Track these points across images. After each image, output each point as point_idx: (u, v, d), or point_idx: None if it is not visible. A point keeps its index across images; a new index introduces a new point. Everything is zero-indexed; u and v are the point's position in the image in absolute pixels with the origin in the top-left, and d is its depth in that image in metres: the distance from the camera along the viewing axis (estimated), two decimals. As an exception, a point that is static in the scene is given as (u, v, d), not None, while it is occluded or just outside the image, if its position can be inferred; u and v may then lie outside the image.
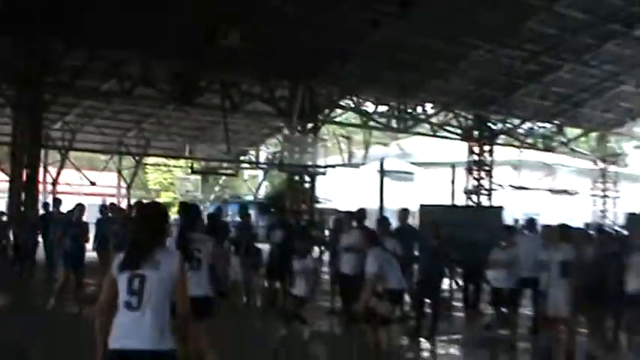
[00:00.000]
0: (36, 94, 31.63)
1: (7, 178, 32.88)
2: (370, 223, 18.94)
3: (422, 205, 24.01)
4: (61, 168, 47.07)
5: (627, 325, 15.14)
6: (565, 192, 51.21)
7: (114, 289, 6.68)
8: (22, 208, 30.61)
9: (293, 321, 15.35)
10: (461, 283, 23.01)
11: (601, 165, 52.22)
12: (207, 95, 36.82)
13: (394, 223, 18.77)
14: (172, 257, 7.00)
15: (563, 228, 15.74)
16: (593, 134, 51.21)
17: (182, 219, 11.78)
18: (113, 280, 6.72)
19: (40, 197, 33.72)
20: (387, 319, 13.56)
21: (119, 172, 53.40)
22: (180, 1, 29.16)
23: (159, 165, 64.00)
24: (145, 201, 19.43)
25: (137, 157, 51.05)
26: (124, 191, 51.95)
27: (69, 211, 22.00)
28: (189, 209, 12.02)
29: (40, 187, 33.96)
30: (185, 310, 6.78)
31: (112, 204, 29.69)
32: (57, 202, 28.63)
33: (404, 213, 20.02)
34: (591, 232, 21.35)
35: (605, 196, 51.78)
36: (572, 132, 50.39)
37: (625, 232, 17.32)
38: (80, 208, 21.48)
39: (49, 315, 18.72)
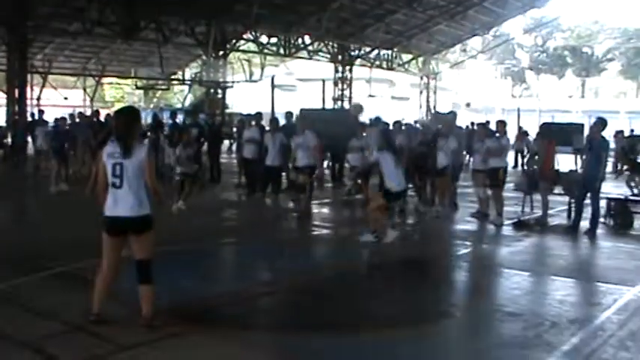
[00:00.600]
0: (22, 34, 31.18)
1: (4, 96, 32.30)
2: (265, 122, 18.97)
3: (301, 109, 24.03)
4: (42, 87, 46.21)
5: (438, 188, 15.67)
6: (401, 99, 51.74)
7: (105, 172, 6.91)
8: (16, 117, 30.16)
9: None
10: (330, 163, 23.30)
11: (425, 80, 52.81)
12: (146, 32, 36.37)
13: (282, 121, 18.78)
14: (142, 148, 7.07)
15: (398, 123, 16.16)
16: (420, 58, 51.52)
17: None
18: (104, 166, 6.91)
19: (28, 109, 33.08)
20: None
21: (84, 89, 52.46)
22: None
23: (113, 84, 62.87)
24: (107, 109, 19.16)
25: (97, 78, 50.23)
26: (88, 103, 50.94)
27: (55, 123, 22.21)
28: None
29: (28, 102, 33.17)
30: (152, 183, 6.94)
31: (79, 113, 29.33)
32: (40, 112, 28.69)
33: (289, 114, 20.08)
34: (418, 126, 21.62)
35: (427, 102, 52.46)
36: (406, 56, 50.62)
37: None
38: (62, 119, 21.96)
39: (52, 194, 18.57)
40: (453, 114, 19.10)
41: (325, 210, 17.33)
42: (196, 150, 17.96)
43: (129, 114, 7.34)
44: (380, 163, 12.05)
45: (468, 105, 19.75)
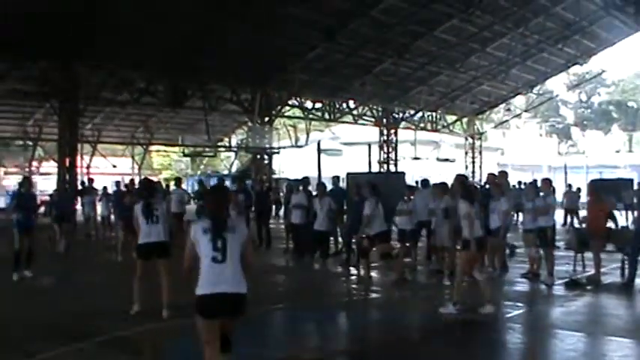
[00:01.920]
0: (73, 104, 31.95)
1: (55, 164, 33.09)
2: (312, 187, 19.08)
3: (348, 173, 24.08)
4: (92, 156, 47.00)
5: (491, 249, 15.49)
6: (447, 160, 51.58)
7: (195, 249, 6.57)
8: (67, 185, 30.78)
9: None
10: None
11: (470, 141, 52.75)
12: (192, 100, 37.04)
13: (329, 186, 18.86)
14: (241, 224, 7.06)
15: (444, 185, 16.14)
16: (464, 119, 51.62)
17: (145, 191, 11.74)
18: (194, 243, 6.58)
19: (78, 177, 33.66)
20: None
21: (132, 157, 53.19)
22: (168, 33, 29.18)
23: (160, 151, 63.68)
24: (152, 178, 19.36)
25: (144, 146, 50.87)
26: (136, 171, 51.60)
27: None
28: (149, 185, 12.01)
29: (78, 170, 33.76)
30: (250, 257, 6.80)
31: (130, 180, 29.74)
32: (90, 181, 29.13)
33: (336, 179, 20.18)
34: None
35: (473, 162, 52.34)
36: (450, 117, 50.81)
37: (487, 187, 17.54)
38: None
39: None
40: (503, 174, 18.97)
41: (373, 274, 17.25)
42: (245, 216, 18.06)
43: (221, 191, 7.65)
44: (463, 211, 11.67)
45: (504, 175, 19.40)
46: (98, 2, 26.24)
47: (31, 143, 45.98)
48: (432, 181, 19.39)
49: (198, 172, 60.59)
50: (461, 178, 12.96)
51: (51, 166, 43.22)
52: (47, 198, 29.05)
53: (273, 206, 31.97)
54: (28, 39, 27.31)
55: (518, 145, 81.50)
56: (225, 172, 57.89)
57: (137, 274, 11.13)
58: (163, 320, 10.63)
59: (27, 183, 16.73)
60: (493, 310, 11.48)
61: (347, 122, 46.93)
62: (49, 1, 25.54)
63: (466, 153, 52.96)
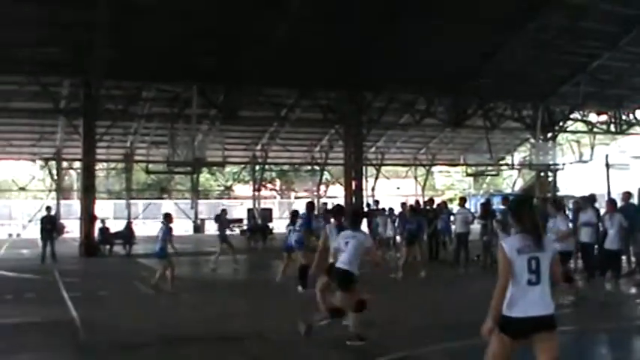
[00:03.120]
0: (357, 129, 33.02)
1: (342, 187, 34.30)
2: (598, 204, 18.24)
3: (640, 189, 22.82)
4: (376, 178, 48.13)
5: None
6: None
7: (510, 268, 6.21)
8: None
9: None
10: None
11: None
12: (473, 119, 36.95)
13: (619, 202, 17.91)
14: (551, 241, 6.78)
15: None
16: None
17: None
18: (509, 261, 6.23)
19: (364, 199, 34.57)
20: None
21: (415, 178, 53.78)
22: (448, 55, 29.49)
23: (442, 172, 64.03)
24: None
25: (427, 167, 51.23)
26: (419, 192, 52.07)
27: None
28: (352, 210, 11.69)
29: (364, 192, 34.74)
30: (558, 277, 6.49)
31: (412, 204, 29.99)
32: (376, 202, 29.74)
33: (627, 194, 19.12)
34: None
35: None
36: None
37: None
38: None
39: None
40: None
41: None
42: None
43: (532, 204, 7.15)
44: None
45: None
46: (379, 34, 27.19)
47: (318, 168, 47.89)
48: None
49: (481, 192, 60.16)
50: None
51: (337, 190, 44.88)
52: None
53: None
54: (312, 72, 28.89)
55: None
56: (508, 190, 56.98)
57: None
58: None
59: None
60: None
61: (635, 134, 44.52)
62: (330, 40, 26.95)
63: None
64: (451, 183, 69.57)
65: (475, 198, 44.74)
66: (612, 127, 42.51)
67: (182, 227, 49.87)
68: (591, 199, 18.57)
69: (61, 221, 38.49)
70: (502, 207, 23.29)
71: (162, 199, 55.78)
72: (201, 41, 26.72)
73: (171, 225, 17.20)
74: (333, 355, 10.18)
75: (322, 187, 53.18)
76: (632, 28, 30.73)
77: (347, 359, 10.02)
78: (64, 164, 44.12)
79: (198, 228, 49.97)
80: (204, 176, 58.73)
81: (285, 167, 54.87)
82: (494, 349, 6.30)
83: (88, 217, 29.32)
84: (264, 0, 24.95)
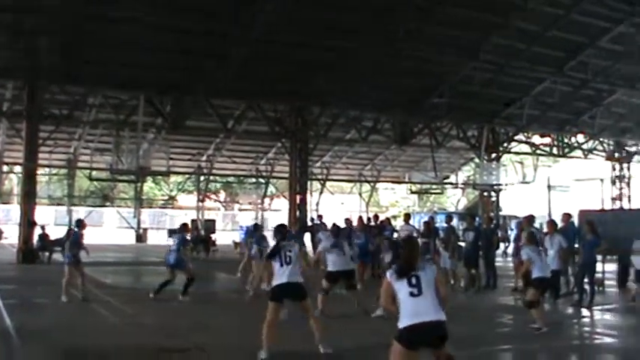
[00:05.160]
0: (303, 143, 33.04)
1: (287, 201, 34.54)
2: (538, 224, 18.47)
3: (581, 210, 23.11)
4: (321, 193, 48.12)
5: None
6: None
7: (392, 289, 7.32)
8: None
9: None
10: (614, 266, 21.97)
11: None
12: (419, 137, 37.27)
13: (559, 224, 18.15)
14: (430, 265, 7.78)
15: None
16: None
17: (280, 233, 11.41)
18: (389, 283, 7.35)
19: (308, 213, 34.46)
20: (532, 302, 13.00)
21: (360, 194, 53.94)
22: (397, 73, 29.85)
23: (387, 188, 64.36)
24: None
25: (372, 184, 51.38)
26: (363, 208, 52.20)
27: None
28: (280, 228, 11.64)
29: (307, 206, 34.62)
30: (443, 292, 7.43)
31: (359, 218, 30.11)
32: (319, 217, 29.79)
33: (567, 216, 19.37)
34: None
35: None
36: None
37: None
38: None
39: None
40: None
41: (608, 317, 16.29)
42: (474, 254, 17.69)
43: (415, 241, 8.33)
44: None
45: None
46: (329, 49, 27.40)
47: (263, 181, 47.82)
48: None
49: (425, 209, 60.54)
50: None
51: (281, 203, 44.85)
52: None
53: (501, 244, 31.24)
54: (259, 85, 28.97)
55: None
56: (452, 209, 57.51)
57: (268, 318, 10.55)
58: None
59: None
60: None
61: (576, 157, 45.30)
62: (284, 54, 27.07)
63: None
64: (395, 200, 69.97)
65: (419, 215, 44.91)
66: (555, 150, 43.25)
67: (124, 236, 49.44)
68: (530, 219, 18.82)
69: (-1, 226, 37.82)
70: (445, 225, 23.46)
71: (104, 206, 55.18)
72: (150, 50, 26.55)
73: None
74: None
75: (267, 200, 53.11)
76: (577, 55, 31.39)
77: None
78: (5, 168, 43.36)
79: (141, 237, 49.47)
80: (149, 185, 58.35)
81: (230, 179, 54.64)
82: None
83: (27, 223, 28.72)
84: (215, 12, 24.84)
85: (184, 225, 18.54)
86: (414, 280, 7.19)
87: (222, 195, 66.13)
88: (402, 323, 7.05)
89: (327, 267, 15.12)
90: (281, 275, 10.58)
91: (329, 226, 24.32)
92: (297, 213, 32.65)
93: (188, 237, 17.33)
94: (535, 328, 12.14)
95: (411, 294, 7.14)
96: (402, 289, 7.20)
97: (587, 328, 14.53)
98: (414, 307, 7.08)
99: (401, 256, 7.64)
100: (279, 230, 11.31)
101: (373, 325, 13.18)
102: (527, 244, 13.35)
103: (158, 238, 49.82)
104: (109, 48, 25.85)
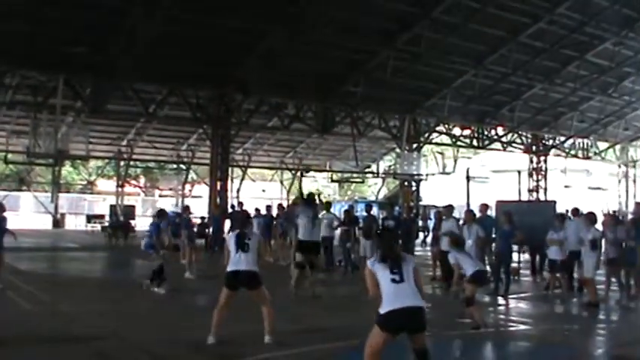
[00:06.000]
0: (225, 130, 32.82)
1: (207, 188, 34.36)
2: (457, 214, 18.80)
3: (498, 201, 23.62)
4: (242, 180, 47.95)
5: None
6: (598, 188, 50.24)
7: (375, 276, 7.65)
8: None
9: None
10: (528, 256, 22.59)
11: (623, 169, 51.15)
12: (341, 126, 37.41)
13: (477, 214, 18.52)
14: (410, 257, 8.10)
15: (592, 215, 15.79)
16: (617, 146, 49.97)
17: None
18: (372, 271, 7.69)
19: (229, 200, 34.29)
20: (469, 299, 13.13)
21: (281, 182, 54.00)
22: (319, 61, 29.92)
23: (308, 176, 64.46)
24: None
25: (293, 171, 51.47)
26: (285, 195, 52.30)
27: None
28: (238, 215, 11.72)
29: (228, 193, 34.47)
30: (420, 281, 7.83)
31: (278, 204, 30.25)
32: (240, 204, 29.64)
33: (484, 206, 19.75)
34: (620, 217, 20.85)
35: (627, 191, 50.72)
36: (603, 145, 49.22)
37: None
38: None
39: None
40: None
41: (522, 305, 16.70)
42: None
43: (394, 232, 8.80)
44: None
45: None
46: (253, 35, 27.29)
47: (184, 167, 47.48)
48: (583, 211, 18.73)
49: (346, 198, 60.92)
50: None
51: (202, 189, 44.63)
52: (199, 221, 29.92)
53: (420, 233, 31.66)
54: (185, 69, 28.66)
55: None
56: (373, 197, 57.97)
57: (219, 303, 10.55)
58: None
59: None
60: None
61: (495, 149, 46.19)
62: (208, 38, 26.81)
63: (619, 181, 51.23)
64: (316, 188, 70.21)
65: (339, 204, 45.18)
66: (474, 142, 43.97)
67: (41, 222, 48.54)
68: (450, 209, 19.18)
69: None
70: (365, 214, 23.69)
71: (20, 190, 54.01)
72: (71, 30, 25.95)
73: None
74: (190, 356, 10.09)
75: (187, 187, 52.75)
76: (497, 49, 32.01)
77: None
78: None
79: (58, 223, 48.65)
80: (67, 169, 57.23)
81: (151, 164, 54.05)
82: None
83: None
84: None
85: (161, 211, 18.33)
86: (395, 268, 7.56)
87: (142, 180, 65.32)
88: (384, 309, 7.36)
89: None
90: (236, 262, 10.52)
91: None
92: (218, 200, 32.48)
93: (164, 224, 16.93)
94: (473, 327, 12.23)
95: (393, 280, 7.49)
96: (384, 277, 7.53)
97: (502, 316, 14.84)
98: (396, 293, 7.43)
99: (381, 245, 8.11)
100: (240, 218, 11.32)
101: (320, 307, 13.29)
102: (451, 247, 13.34)
103: (76, 223, 49.07)
104: (24, 24, 24.99)
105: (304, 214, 16.05)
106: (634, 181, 51.44)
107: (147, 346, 10.41)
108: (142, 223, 41.63)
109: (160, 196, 60.71)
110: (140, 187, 64.76)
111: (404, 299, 7.39)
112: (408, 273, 7.59)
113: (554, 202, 25.47)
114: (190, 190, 54.92)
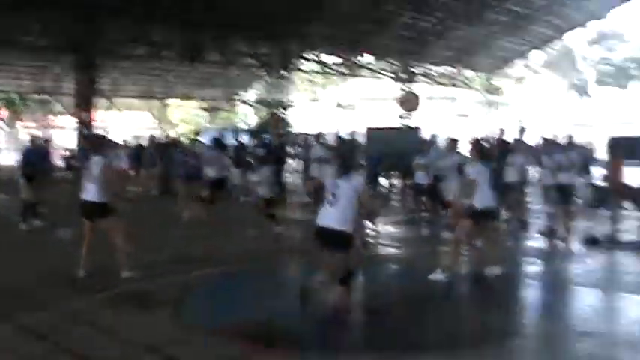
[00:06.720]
0: (90, 58, 31.91)
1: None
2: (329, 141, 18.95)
3: (368, 128, 24.02)
4: (108, 110, 46.89)
5: (506, 205, 15.53)
6: (464, 115, 51.62)
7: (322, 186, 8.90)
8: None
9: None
10: (397, 182, 23.12)
11: (488, 96, 52.67)
12: (211, 54, 36.90)
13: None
14: (357, 178, 8.77)
15: (454, 141, 16.20)
16: (482, 75, 51.32)
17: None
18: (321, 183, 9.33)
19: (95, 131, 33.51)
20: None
21: (150, 112, 53.19)
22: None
23: (179, 105, 63.65)
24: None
25: (162, 100, 50.67)
26: (154, 125, 51.62)
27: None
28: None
29: (94, 124, 33.64)
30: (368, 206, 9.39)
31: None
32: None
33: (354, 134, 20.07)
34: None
35: (490, 118, 52.41)
36: (469, 73, 50.45)
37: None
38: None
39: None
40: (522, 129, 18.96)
41: (390, 228, 17.14)
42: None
43: (347, 153, 9.25)
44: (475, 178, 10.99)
45: (522, 130, 19.32)
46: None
47: (49, 98, 46.09)
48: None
49: (216, 127, 60.53)
50: (476, 140, 12.57)
51: (67, 120, 43.47)
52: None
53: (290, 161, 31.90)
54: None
55: (536, 101, 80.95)
56: (243, 126, 57.85)
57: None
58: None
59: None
60: (500, 272, 11.07)
61: (364, 77, 46.54)
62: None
63: (484, 108, 52.84)
64: (187, 117, 69.40)
65: (210, 133, 44.83)
66: (344, 69, 44.18)
67: None
68: (319, 136, 19.41)
69: None
70: (236, 142, 23.70)
71: None
72: None
73: None
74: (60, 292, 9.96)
75: (52, 117, 51.23)
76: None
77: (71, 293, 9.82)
78: None
79: None
80: None
81: (13, 95, 52.02)
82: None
83: None
84: None
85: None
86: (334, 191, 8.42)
87: (4, 112, 62.89)
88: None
89: None
90: (84, 192, 10.31)
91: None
92: (85, 131, 31.70)
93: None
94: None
95: (329, 202, 8.43)
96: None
97: (372, 240, 15.23)
98: (323, 213, 8.48)
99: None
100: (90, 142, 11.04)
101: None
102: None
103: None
104: None
105: None
106: (497, 108, 52.96)
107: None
108: (5, 157, 40.33)
109: (24, 127, 58.76)
110: (2, 119, 62.46)
111: (324, 219, 8.42)
112: (344, 196, 8.35)
113: (419, 128, 26.09)
114: (55, 122, 53.34)
